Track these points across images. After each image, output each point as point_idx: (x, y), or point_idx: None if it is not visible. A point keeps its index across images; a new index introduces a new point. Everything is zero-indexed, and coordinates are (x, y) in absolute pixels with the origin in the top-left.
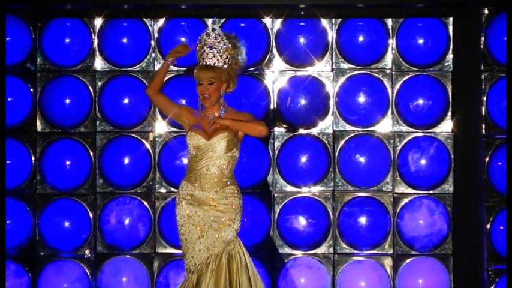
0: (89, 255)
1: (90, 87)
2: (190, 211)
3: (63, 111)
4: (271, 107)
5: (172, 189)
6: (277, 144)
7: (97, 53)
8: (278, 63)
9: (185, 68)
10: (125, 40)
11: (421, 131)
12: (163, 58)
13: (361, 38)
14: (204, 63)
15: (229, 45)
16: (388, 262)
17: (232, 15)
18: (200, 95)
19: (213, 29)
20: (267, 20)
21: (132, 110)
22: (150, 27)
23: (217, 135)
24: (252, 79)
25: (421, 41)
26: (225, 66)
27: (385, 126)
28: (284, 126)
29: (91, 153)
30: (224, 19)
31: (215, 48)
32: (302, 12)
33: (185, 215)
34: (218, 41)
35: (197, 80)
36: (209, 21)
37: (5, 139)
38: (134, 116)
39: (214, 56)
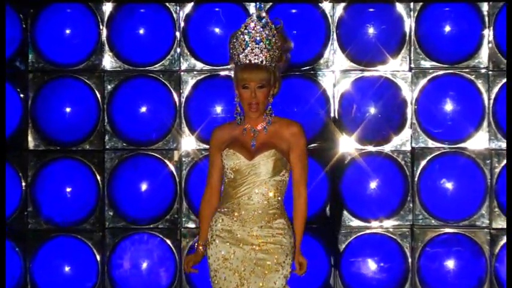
0: None
1: (97, 92)
2: (226, 252)
3: (62, 123)
4: (331, 116)
5: None
6: (338, 165)
7: (106, 47)
8: (340, 60)
9: (220, 67)
10: (142, 31)
11: None
12: (191, 54)
13: (447, 28)
14: (248, 61)
15: (280, 39)
16: None
17: (282, 0)
18: (246, 103)
19: (260, 18)
20: (326, 5)
21: (151, 121)
22: (174, 15)
23: (261, 153)
24: (306, 81)
25: None
26: (273, 65)
27: (479, 142)
28: (348, 141)
29: (98, 178)
30: (270, 4)
31: (263, 42)
32: None
33: (220, 257)
34: (267, 33)
35: (242, 83)
36: (251, 6)
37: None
38: (154, 129)
39: (261, 52)
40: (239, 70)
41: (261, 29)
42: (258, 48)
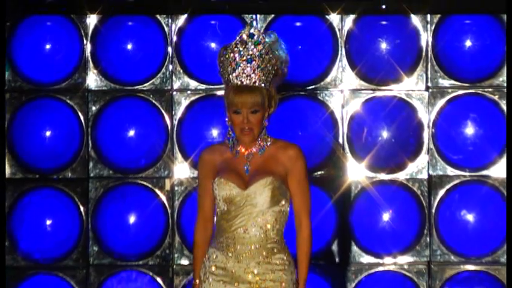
0: None
1: (80, 114)
2: None
3: (41, 149)
4: (340, 141)
5: None
6: (347, 195)
7: (90, 64)
8: (349, 79)
9: (216, 86)
10: (130, 46)
11: None
12: (184, 71)
13: (468, 43)
14: (239, 82)
15: (274, 54)
16: None
17: (284, 11)
18: (237, 128)
19: (251, 35)
20: (334, 17)
21: (140, 146)
22: (165, 28)
23: (257, 181)
24: (311, 102)
25: None
26: (268, 84)
27: (503, 169)
28: (358, 168)
29: (81, 209)
30: (271, 16)
31: (255, 61)
32: (384, 6)
33: None
34: (259, 50)
35: (233, 107)
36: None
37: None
38: (143, 155)
39: (253, 72)
40: (230, 92)
41: (253, 47)
42: (250, 67)
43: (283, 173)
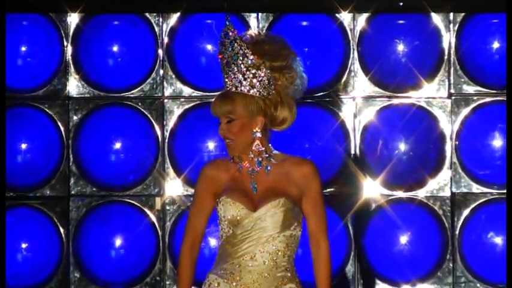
0: None
1: (60, 124)
2: None
3: (17, 163)
4: (352, 154)
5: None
6: (361, 214)
7: (71, 69)
8: (363, 85)
9: (213, 93)
10: (115, 48)
11: None
12: (177, 77)
13: (496, 44)
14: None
15: (259, 55)
16: None
17: (288, 8)
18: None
19: (225, 33)
20: (345, 16)
21: (127, 160)
22: (156, 28)
23: (267, 202)
24: (320, 111)
25: None
26: (256, 90)
27: None
28: (372, 185)
29: (61, 231)
30: (272, 16)
31: (234, 63)
32: (401, 3)
33: None
34: (235, 50)
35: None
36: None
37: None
38: (131, 171)
39: (234, 77)
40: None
41: (230, 47)
42: (231, 71)
43: (297, 194)
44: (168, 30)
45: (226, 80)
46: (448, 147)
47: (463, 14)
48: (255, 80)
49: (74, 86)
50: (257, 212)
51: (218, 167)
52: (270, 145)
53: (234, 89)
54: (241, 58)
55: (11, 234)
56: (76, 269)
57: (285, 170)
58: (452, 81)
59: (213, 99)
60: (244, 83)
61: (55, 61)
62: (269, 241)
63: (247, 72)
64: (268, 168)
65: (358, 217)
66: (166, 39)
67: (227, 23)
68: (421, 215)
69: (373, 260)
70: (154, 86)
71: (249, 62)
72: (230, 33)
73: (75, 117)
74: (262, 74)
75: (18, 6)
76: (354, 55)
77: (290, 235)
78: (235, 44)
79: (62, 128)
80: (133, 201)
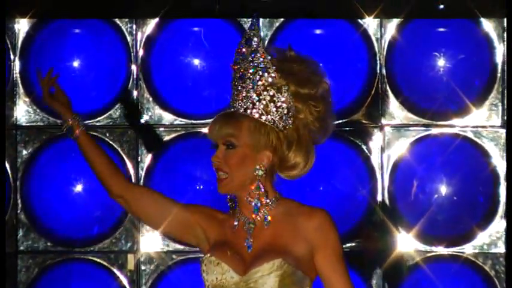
0: None
1: (6, 160)
2: None
3: None
4: (379, 198)
5: None
6: (391, 275)
7: (20, 89)
8: (392, 110)
9: (201, 121)
10: (76, 63)
11: None
12: (155, 100)
13: None
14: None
15: (284, 74)
16: None
17: (297, 13)
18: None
19: (247, 40)
20: (370, 22)
21: (92, 207)
22: (128, 38)
23: (261, 263)
24: (338, 143)
25: None
26: (270, 118)
27: None
28: (405, 239)
29: None
30: (280, 20)
31: (249, 78)
32: (442, 5)
33: None
34: (255, 62)
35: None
36: (248, 24)
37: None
38: (96, 220)
39: (246, 95)
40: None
41: (250, 57)
42: (243, 87)
43: (303, 252)
44: (144, 40)
45: (236, 97)
46: (502, 190)
47: None
48: (272, 105)
49: (23, 111)
50: (247, 275)
51: (216, 214)
52: (274, 189)
53: (242, 111)
54: (260, 73)
55: None
56: None
57: (292, 222)
58: (506, 106)
59: (213, 119)
60: (257, 105)
61: None
62: None
63: (264, 93)
64: (268, 219)
65: (387, 279)
66: (141, 52)
67: (252, 27)
68: (467, 276)
69: None
70: (126, 111)
71: (270, 79)
72: (254, 40)
73: (24, 151)
74: (283, 99)
75: None
76: (382, 72)
77: None
78: (257, 54)
79: (7, 165)
80: (99, 260)
